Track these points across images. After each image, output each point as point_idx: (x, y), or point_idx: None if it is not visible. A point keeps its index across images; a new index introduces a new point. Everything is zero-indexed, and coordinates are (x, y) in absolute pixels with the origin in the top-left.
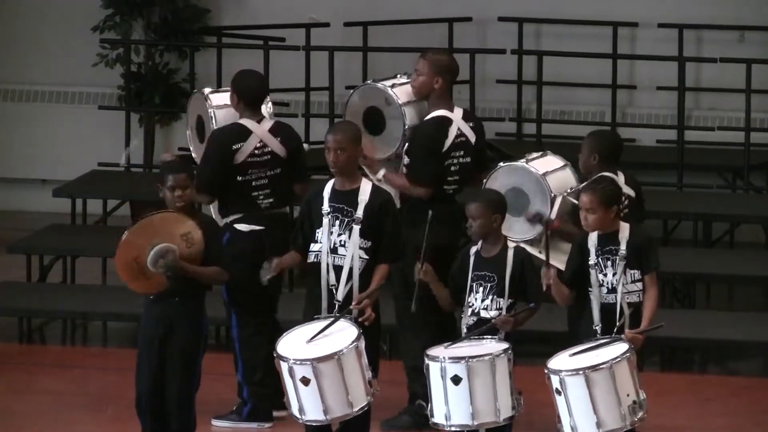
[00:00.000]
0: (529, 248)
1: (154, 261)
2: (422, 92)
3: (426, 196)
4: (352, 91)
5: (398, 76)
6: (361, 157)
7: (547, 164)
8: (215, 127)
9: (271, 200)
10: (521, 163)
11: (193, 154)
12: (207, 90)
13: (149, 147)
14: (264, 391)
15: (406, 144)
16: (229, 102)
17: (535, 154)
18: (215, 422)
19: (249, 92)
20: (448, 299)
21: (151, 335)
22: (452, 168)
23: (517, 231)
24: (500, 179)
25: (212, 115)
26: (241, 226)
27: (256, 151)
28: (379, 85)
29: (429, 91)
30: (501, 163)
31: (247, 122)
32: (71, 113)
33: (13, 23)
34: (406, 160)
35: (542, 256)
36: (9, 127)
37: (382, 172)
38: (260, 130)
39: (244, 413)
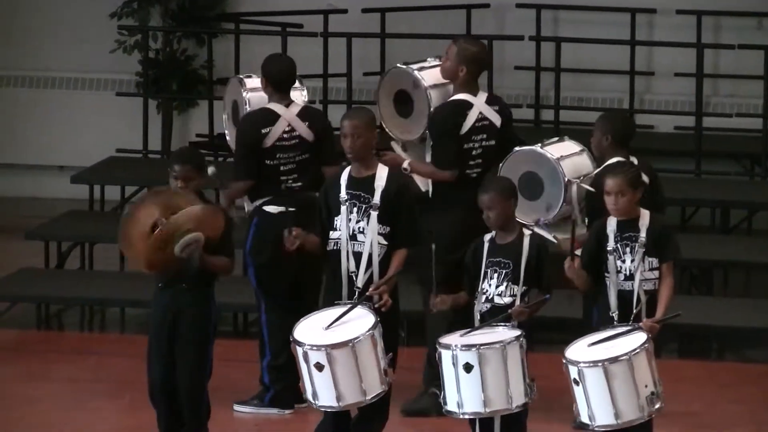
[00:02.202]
0: (543, 232)
1: (182, 247)
2: (447, 76)
3: (452, 179)
4: (382, 74)
5: (428, 59)
6: (383, 157)
7: (563, 149)
8: (248, 111)
9: (299, 184)
10: (536, 147)
11: (228, 138)
12: (243, 75)
13: (167, 134)
14: (287, 378)
15: (428, 129)
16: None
17: (552, 140)
18: (237, 407)
19: (277, 76)
20: (465, 300)
21: (161, 323)
22: (473, 152)
23: (529, 215)
24: (515, 164)
25: (246, 98)
26: (270, 208)
27: (285, 135)
28: (407, 68)
29: (453, 76)
30: (517, 148)
31: (275, 106)
32: (89, 100)
33: (31, 10)
34: (430, 143)
35: (559, 241)
36: (27, 114)
37: (407, 163)
38: (288, 115)
39: (266, 399)
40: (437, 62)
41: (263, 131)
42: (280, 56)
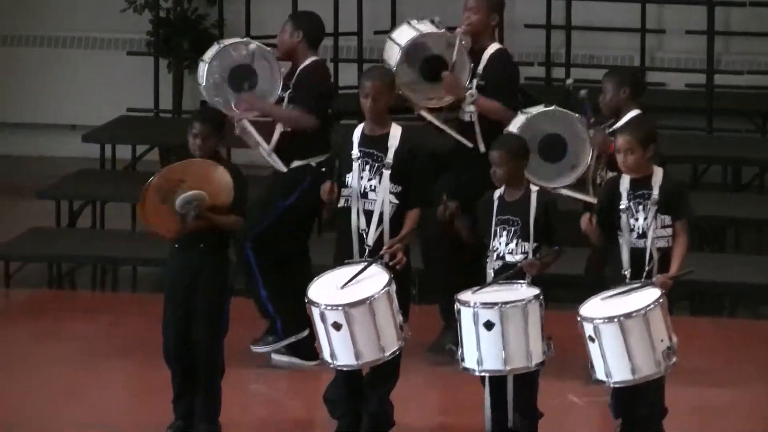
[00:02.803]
0: (568, 192)
1: (182, 205)
2: (477, 30)
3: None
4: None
5: (414, 22)
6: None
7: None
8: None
9: None
10: (559, 108)
11: (217, 103)
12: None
13: (178, 93)
14: (285, 303)
15: (488, 76)
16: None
17: (539, 106)
18: (255, 348)
19: (315, 33)
20: (469, 230)
21: (177, 283)
22: None
23: (554, 178)
24: (537, 125)
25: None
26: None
27: None
28: (434, 29)
29: (485, 28)
30: (533, 110)
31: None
32: (100, 59)
33: None
34: (495, 88)
35: (585, 197)
36: (38, 74)
37: (474, 90)
38: None
39: (279, 329)
40: (433, 27)
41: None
42: (313, 13)
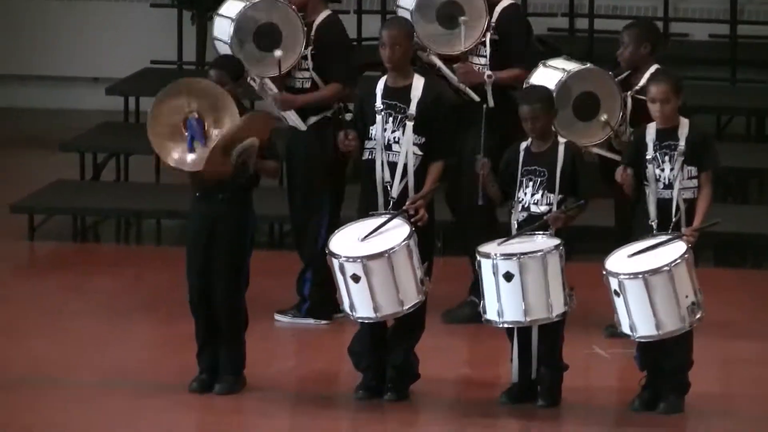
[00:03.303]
0: (599, 150)
1: (239, 153)
2: None
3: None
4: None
5: None
6: (459, 66)
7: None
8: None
9: None
10: (592, 66)
11: (230, 50)
12: None
13: (201, 45)
14: (324, 290)
15: (501, 30)
16: None
17: (559, 59)
18: (277, 316)
19: None
20: (497, 194)
21: (198, 232)
22: None
23: (586, 135)
24: (572, 84)
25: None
26: (349, 115)
27: None
28: None
29: None
30: (557, 63)
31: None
32: (123, 11)
33: None
34: (510, 46)
35: (615, 156)
36: (61, 26)
37: (489, 71)
38: None
39: (303, 310)
40: None
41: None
42: None
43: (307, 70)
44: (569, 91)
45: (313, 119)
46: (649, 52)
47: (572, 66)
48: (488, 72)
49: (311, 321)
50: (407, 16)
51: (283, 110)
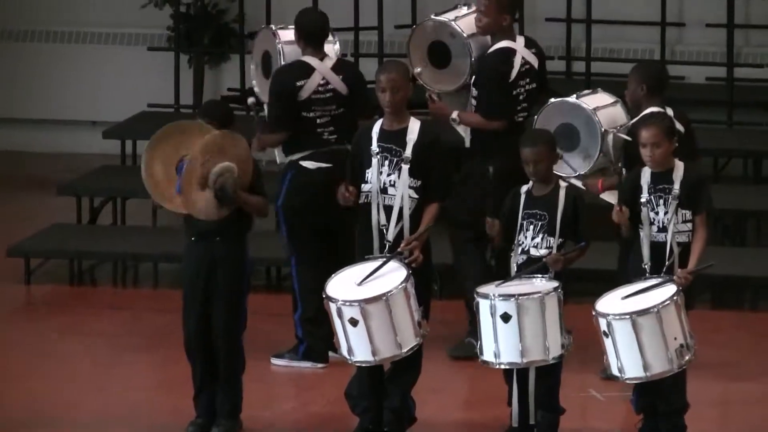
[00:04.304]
0: (607, 198)
1: (215, 177)
2: (488, 31)
3: (501, 128)
4: (414, 26)
5: (458, 6)
6: (431, 105)
7: (598, 100)
8: (282, 63)
9: (335, 136)
10: (572, 99)
11: (256, 89)
12: (275, 26)
13: (198, 88)
14: (318, 330)
15: (473, 77)
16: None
17: (586, 92)
18: (274, 360)
19: (309, 29)
20: (497, 242)
21: (195, 276)
22: (520, 97)
23: (565, 168)
24: (550, 116)
25: (280, 50)
26: (307, 164)
27: (320, 89)
28: (443, 18)
29: (496, 29)
30: (552, 99)
31: (309, 59)
32: (120, 54)
33: None
34: (474, 92)
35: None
36: (59, 69)
37: (455, 113)
38: (323, 68)
39: (300, 352)
40: (468, 10)
41: (298, 84)
42: (313, 9)
43: None
44: (546, 125)
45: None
46: (647, 93)
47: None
48: (453, 115)
49: (308, 364)
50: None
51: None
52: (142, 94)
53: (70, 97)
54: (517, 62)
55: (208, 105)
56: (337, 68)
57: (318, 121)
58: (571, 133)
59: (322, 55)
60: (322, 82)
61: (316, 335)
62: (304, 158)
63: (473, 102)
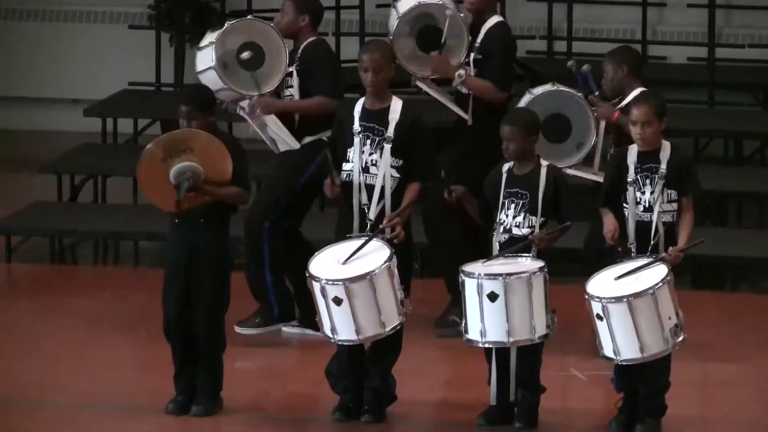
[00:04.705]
0: (576, 171)
1: (175, 176)
2: (480, 6)
3: (504, 101)
4: (397, 17)
5: None
6: (435, 65)
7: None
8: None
9: None
10: (559, 86)
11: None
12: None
13: (180, 66)
14: (288, 295)
15: (484, 49)
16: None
17: (546, 85)
18: (240, 330)
19: (320, 14)
20: (478, 211)
21: (177, 258)
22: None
23: (559, 158)
24: (541, 105)
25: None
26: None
27: None
28: (435, 2)
29: (488, 3)
30: (538, 90)
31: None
32: (102, 32)
33: None
34: (473, 67)
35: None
36: (40, 48)
37: (462, 70)
38: None
39: (275, 316)
40: None
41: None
42: None
43: (292, 87)
44: (538, 114)
45: (308, 139)
46: (628, 73)
47: (541, 89)
48: (460, 71)
49: (309, 331)
50: (396, 19)
51: (266, 113)
52: (122, 73)
53: (51, 75)
54: None
55: (191, 91)
56: None
57: None
58: (561, 123)
59: None
60: None
61: (286, 297)
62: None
63: (471, 74)
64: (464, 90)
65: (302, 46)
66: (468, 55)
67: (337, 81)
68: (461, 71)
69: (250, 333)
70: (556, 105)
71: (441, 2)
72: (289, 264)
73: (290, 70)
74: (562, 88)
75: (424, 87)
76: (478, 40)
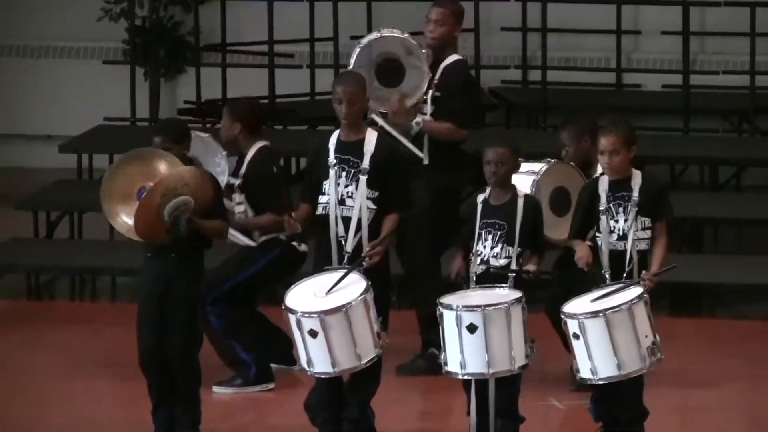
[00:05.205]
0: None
1: (170, 213)
2: (443, 42)
3: (465, 138)
4: (358, 46)
5: (380, 30)
6: (392, 112)
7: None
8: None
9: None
10: (559, 162)
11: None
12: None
13: (154, 101)
14: (263, 351)
15: (442, 87)
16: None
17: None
18: (218, 390)
19: (253, 119)
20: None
21: (151, 292)
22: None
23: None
24: (544, 182)
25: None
26: (303, 247)
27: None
28: (397, 34)
29: (450, 40)
30: (533, 166)
31: (265, 143)
32: (76, 68)
33: None
34: (429, 107)
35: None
36: (15, 83)
37: (419, 117)
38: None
39: (252, 376)
40: (398, 32)
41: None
42: (250, 100)
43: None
44: (540, 191)
45: (263, 238)
46: (591, 144)
47: (539, 166)
48: (417, 119)
49: (239, 388)
50: (356, 52)
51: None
52: (97, 108)
53: (26, 112)
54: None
55: (164, 123)
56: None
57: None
58: (564, 197)
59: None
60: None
61: (260, 357)
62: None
63: (427, 114)
64: (415, 128)
65: (246, 160)
66: (427, 92)
67: (278, 193)
68: (418, 119)
69: (228, 392)
70: (558, 180)
71: (404, 36)
72: (252, 333)
73: (232, 181)
74: (561, 162)
75: (380, 122)
76: (437, 77)
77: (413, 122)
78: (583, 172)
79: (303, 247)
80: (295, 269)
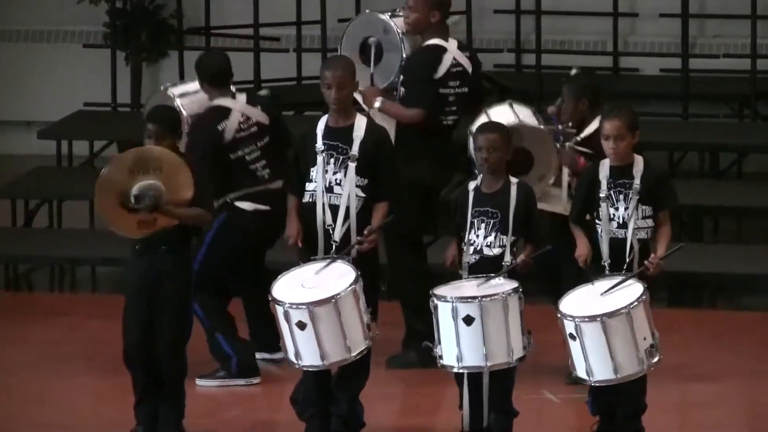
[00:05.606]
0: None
1: (139, 191)
2: (418, 28)
3: (418, 119)
4: (349, 21)
5: (397, 10)
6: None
7: (525, 115)
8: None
9: (268, 170)
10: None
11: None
12: (169, 84)
13: (136, 86)
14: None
15: (401, 75)
16: (189, 89)
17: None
18: (201, 383)
19: (211, 71)
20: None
21: (139, 287)
22: (450, 98)
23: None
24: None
25: (179, 105)
26: (244, 205)
27: (242, 126)
28: (379, 15)
29: (425, 27)
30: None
31: (222, 101)
32: (55, 52)
33: None
34: (402, 91)
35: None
36: None
37: (379, 102)
38: (238, 105)
39: (234, 369)
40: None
41: (219, 128)
42: (211, 52)
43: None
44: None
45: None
46: (588, 107)
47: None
48: (377, 103)
49: (242, 381)
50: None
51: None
52: (78, 93)
53: (4, 97)
54: (447, 60)
55: (155, 110)
56: (251, 101)
57: (248, 158)
58: (523, 154)
59: (232, 94)
60: (242, 119)
61: (243, 349)
62: (239, 198)
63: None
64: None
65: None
66: (398, 76)
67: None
68: (378, 103)
69: (212, 385)
70: (520, 140)
71: (386, 18)
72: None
73: None
74: (524, 122)
75: (361, 101)
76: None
77: (376, 107)
78: (576, 130)
79: (246, 205)
80: (261, 230)
